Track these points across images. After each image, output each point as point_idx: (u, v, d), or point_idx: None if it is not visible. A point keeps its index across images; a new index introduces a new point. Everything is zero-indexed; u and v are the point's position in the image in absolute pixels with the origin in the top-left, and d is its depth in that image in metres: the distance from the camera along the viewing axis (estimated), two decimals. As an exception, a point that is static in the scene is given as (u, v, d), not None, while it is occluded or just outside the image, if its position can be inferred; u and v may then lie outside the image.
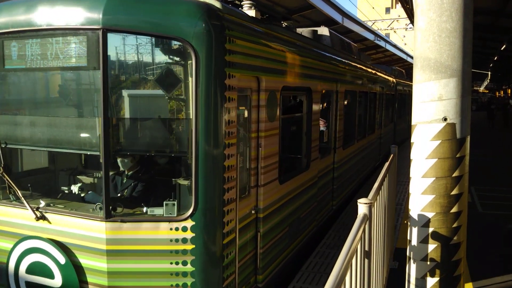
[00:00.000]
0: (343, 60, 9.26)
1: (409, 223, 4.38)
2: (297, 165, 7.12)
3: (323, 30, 9.18)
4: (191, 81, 4.11)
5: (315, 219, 7.57)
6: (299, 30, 8.07)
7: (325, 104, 9.04)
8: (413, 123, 4.27)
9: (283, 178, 5.94)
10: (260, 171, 5.18)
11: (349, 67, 9.68)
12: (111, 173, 4.84)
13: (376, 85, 13.48)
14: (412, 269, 4.31)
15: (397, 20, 38.55)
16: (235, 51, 4.44)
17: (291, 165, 7.04)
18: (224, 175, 4.32)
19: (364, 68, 11.60)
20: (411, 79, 21.81)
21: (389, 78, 16.75)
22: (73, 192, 5.07)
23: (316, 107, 7.21)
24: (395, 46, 39.10)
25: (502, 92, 60.54)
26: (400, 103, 20.67)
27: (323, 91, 7.75)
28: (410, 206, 4.34)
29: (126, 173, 5.16)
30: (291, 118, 7.29)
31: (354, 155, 10.58)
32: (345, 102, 9.46)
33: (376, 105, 13.76)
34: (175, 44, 4.36)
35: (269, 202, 5.47)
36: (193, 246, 4.19)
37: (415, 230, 4.26)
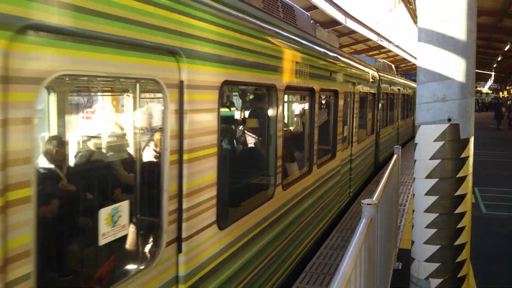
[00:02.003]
0: (238, 20, 4.11)
1: (412, 224, 4.38)
2: None
3: None
4: None
5: None
6: None
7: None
8: (416, 123, 4.27)
9: None
10: None
11: (266, 37, 4.73)
12: None
13: (341, 80, 8.26)
14: (416, 270, 4.30)
15: (400, 21, 38.54)
16: None
17: None
18: None
19: (310, 47, 6.42)
20: (404, 76, 18.51)
21: (368, 71, 11.62)
22: None
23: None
24: (398, 46, 39.06)
25: (505, 92, 60.36)
26: (385, 106, 15.40)
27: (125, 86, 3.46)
28: (414, 206, 4.34)
29: None
30: None
31: (275, 219, 5.12)
32: (245, 112, 5.28)
33: (338, 112, 8.20)
34: None
35: None
36: None
37: (419, 231, 4.26)
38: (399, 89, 18.38)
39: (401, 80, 19.84)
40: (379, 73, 13.69)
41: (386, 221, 4.44)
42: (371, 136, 12.64)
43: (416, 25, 4.42)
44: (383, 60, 19.33)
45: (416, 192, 4.30)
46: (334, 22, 25.15)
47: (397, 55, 41.75)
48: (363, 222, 2.84)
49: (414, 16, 20.56)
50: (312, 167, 6.69)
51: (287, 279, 5.68)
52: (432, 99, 4.07)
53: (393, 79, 17.12)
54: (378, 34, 32.60)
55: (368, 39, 32.85)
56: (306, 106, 7.04)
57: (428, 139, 4.13)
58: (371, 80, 11.92)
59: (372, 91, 12.39)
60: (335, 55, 8.08)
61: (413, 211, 4.36)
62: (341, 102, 8.44)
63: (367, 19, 29.02)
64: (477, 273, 6.11)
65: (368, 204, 3.12)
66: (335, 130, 8.20)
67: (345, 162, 9.17)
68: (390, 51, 38.98)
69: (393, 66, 19.60)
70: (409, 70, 41.18)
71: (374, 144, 13.37)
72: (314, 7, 21.05)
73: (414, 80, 23.44)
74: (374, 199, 3.34)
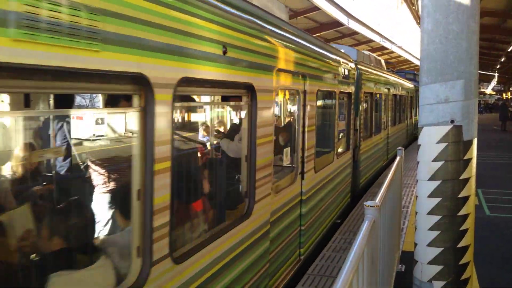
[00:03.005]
0: None
1: (416, 226, 4.36)
2: None
3: None
4: None
5: None
6: None
7: None
8: (419, 125, 4.25)
9: None
10: None
11: None
12: None
13: (265, 65, 4.44)
14: (419, 273, 4.28)
15: (401, 22, 38.57)
16: None
17: None
18: None
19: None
20: (397, 74, 16.52)
21: (339, 61, 8.07)
22: None
23: None
24: (401, 47, 39.03)
25: (509, 94, 60.23)
26: (369, 111, 11.92)
27: None
28: (417, 208, 4.32)
29: None
30: None
31: None
32: None
33: (256, 126, 4.25)
34: None
35: None
36: None
37: (422, 233, 4.24)
38: (389, 89, 14.65)
39: (392, 78, 16.12)
40: (359, 67, 10.43)
41: (389, 223, 4.42)
42: (344, 155, 8.70)
43: (419, 26, 4.41)
44: (369, 52, 15.04)
45: (419, 194, 4.28)
46: (336, 23, 25.17)
47: (400, 56, 41.75)
48: (366, 224, 2.83)
49: (416, 17, 20.57)
50: (147, 276, 2.74)
51: None
52: (435, 100, 4.05)
53: (381, 76, 13.57)
54: (380, 35, 32.59)
55: (371, 40, 32.85)
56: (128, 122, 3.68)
57: (431, 141, 4.11)
58: (344, 74, 8.31)
59: (347, 89, 8.63)
60: (248, 18, 4.15)
61: (416, 213, 4.34)
62: (264, 108, 4.46)
63: (369, 19, 28.88)
64: (480, 275, 6.07)
65: (371, 206, 3.11)
66: (252, 162, 4.29)
67: (287, 209, 5.50)
68: (393, 52, 38.97)
69: (382, 61, 15.80)
70: (412, 71, 41.07)
71: (351, 165, 9.44)
72: (316, 8, 21.07)
73: (409, 79, 22.30)
74: (377, 201, 3.32)
